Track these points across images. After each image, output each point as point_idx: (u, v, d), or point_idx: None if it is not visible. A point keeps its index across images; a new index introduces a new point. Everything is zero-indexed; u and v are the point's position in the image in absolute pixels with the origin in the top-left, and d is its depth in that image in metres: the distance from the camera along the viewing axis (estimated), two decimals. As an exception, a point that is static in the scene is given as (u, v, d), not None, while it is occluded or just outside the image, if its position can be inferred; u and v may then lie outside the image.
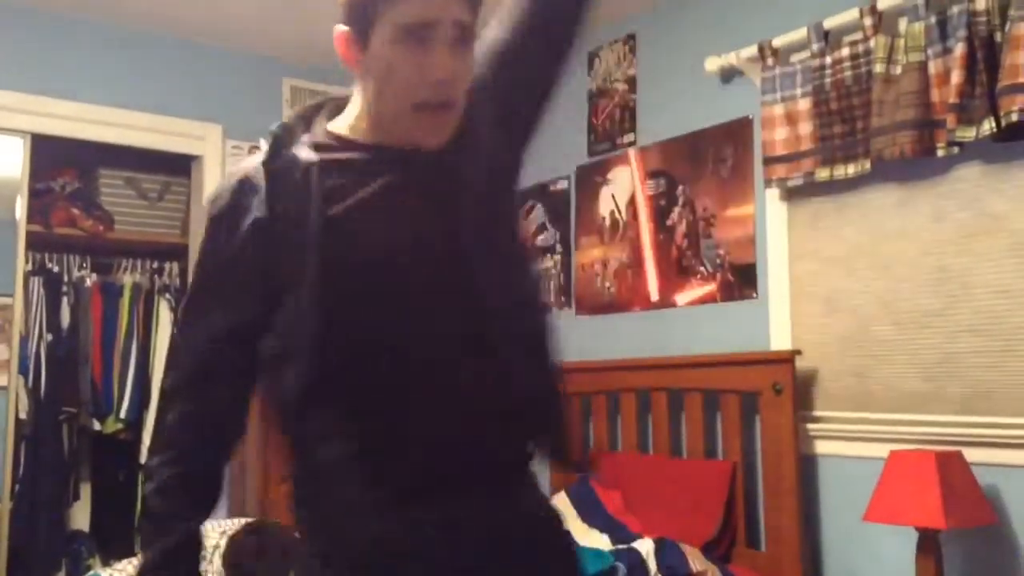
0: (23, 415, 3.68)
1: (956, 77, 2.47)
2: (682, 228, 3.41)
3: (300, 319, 1.13)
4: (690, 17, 3.46)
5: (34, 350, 3.78)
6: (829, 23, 2.86)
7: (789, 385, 2.85)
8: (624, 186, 3.67)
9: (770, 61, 3.04)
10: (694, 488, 3.02)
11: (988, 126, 2.42)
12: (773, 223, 3.10)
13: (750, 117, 3.18)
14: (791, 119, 2.95)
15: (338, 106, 1.27)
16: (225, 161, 3.98)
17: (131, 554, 3.04)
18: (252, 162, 1.23)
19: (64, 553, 3.85)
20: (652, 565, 2.65)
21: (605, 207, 3.75)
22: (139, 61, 3.83)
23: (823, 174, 2.85)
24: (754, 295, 3.14)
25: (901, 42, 2.64)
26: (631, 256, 3.61)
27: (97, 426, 3.92)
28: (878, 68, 2.67)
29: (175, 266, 4.23)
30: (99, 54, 3.75)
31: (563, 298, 3.91)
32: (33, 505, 3.69)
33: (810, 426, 2.92)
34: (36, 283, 3.88)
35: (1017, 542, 2.45)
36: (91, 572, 3.12)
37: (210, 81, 3.98)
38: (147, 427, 3.86)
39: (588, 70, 3.85)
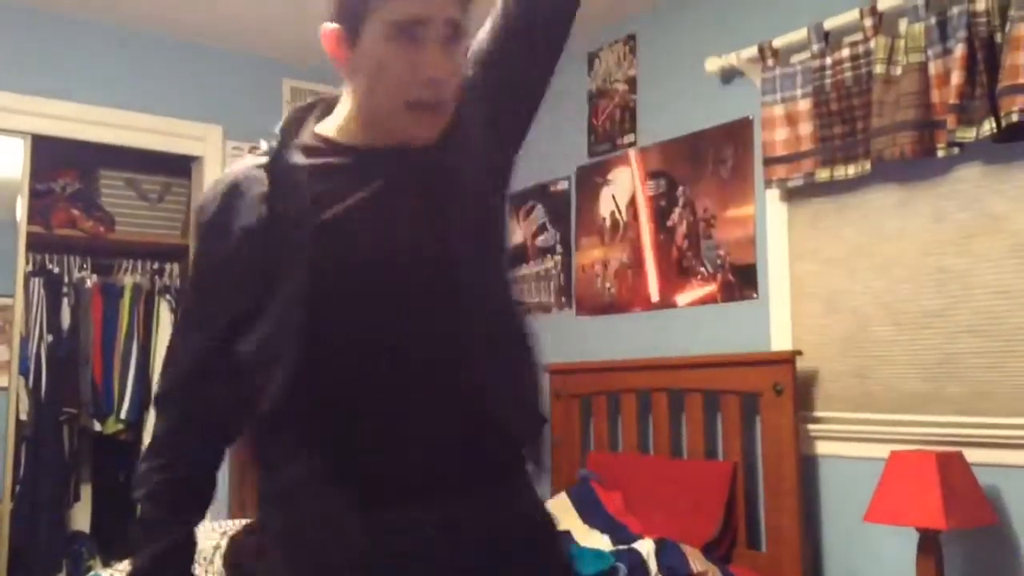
0: (24, 416, 3.68)
1: (956, 78, 2.47)
2: (682, 229, 3.41)
3: (286, 323, 1.13)
4: (690, 17, 3.46)
5: (34, 351, 3.78)
6: (829, 24, 2.86)
7: (789, 386, 2.85)
8: (624, 187, 3.67)
9: (770, 62, 3.04)
10: (695, 489, 3.02)
11: (988, 127, 2.42)
12: (773, 224, 3.10)
13: (750, 118, 3.18)
14: (791, 120, 2.95)
15: (328, 106, 1.27)
16: (225, 162, 3.98)
17: (131, 555, 3.04)
18: (241, 166, 1.23)
19: (65, 554, 3.86)
20: (652, 566, 2.65)
21: (605, 208, 3.75)
22: (139, 62, 3.83)
23: (823, 175, 2.85)
24: (754, 296, 3.14)
25: (901, 43, 2.64)
26: (631, 257, 3.61)
27: (98, 427, 3.93)
28: (878, 69, 2.67)
29: (175, 267, 4.23)
30: (99, 55, 3.75)
31: (563, 298, 3.91)
32: (34, 506, 3.69)
33: (811, 427, 2.92)
34: (36, 284, 3.88)
35: (1018, 542, 2.45)
36: (91, 573, 3.12)
37: (210, 82, 3.98)
38: (147, 428, 3.86)
39: (588, 71, 3.85)
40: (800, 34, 2.94)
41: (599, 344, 3.69)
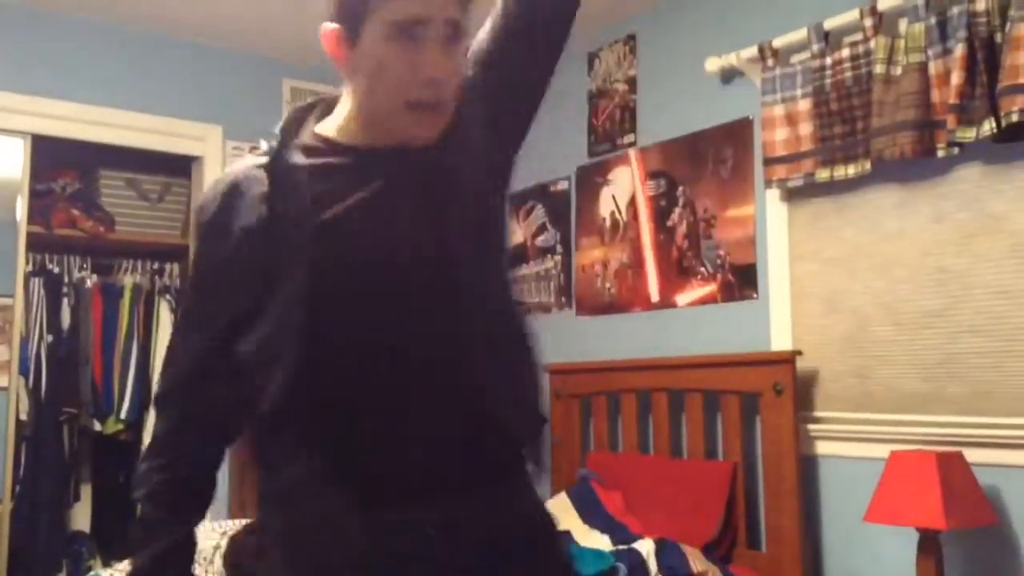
0: (24, 416, 3.68)
1: (956, 78, 2.47)
2: (682, 229, 3.41)
3: (286, 323, 1.13)
4: (690, 17, 3.46)
5: (34, 351, 3.78)
6: (829, 24, 2.86)
7: (789, 386, 2.85)
8: (624, 187, 3.67)
9: (770, 62, 3.04)
10: (695, 489, 3.02)
11: (988, 127, 2.42)
12: (773, 224, 3.10)
13: (750, 118, 3.18)
14: (791, 120, 2.95)
15: (329, 107, 1.27)
16: (225, 162, 3.98)
17: (131, 555, 3.04)
18: (241, 166, 1.23)
19: (65, 554, 3.86)
20: (653, 565, 2.65)
21: (605, 208, 3.75)
22: (139, 62, 3.83)
23: (823, 175, 2.85)
24: (754, 296, 3.14)
25: (901, 43, 2.64)
26: (631, 257, 3.61)
27: (98, 427, 3.93)
28: (878, 69, 2.67)
29: (176, 267, 4.23)
30: (99, 55, 3.75)
31: (564, 298, 3.92)
32: (34, 506, 3.69)
33: (811, 427, 2.92)
34: (36, 284, 3.88)
35: (1018, 542, 2.45)
36: (92, 573, 3.12)
37: (210, 82, 3.98)
38: (147, 428, 3.86)
39: (588, 71, 3.85)
40: (800, 34, 2.94)
41: (599, 344, 3.69)
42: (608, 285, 3.71)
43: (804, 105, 2.92)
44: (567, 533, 3.06)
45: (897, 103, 2.61)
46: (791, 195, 3.05)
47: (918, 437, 2.63)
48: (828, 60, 2.84)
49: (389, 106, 1.16)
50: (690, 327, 3.36)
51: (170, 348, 1.29)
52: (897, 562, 2.63)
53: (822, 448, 2.91)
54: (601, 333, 3.71)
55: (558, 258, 3.96)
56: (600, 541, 2.93)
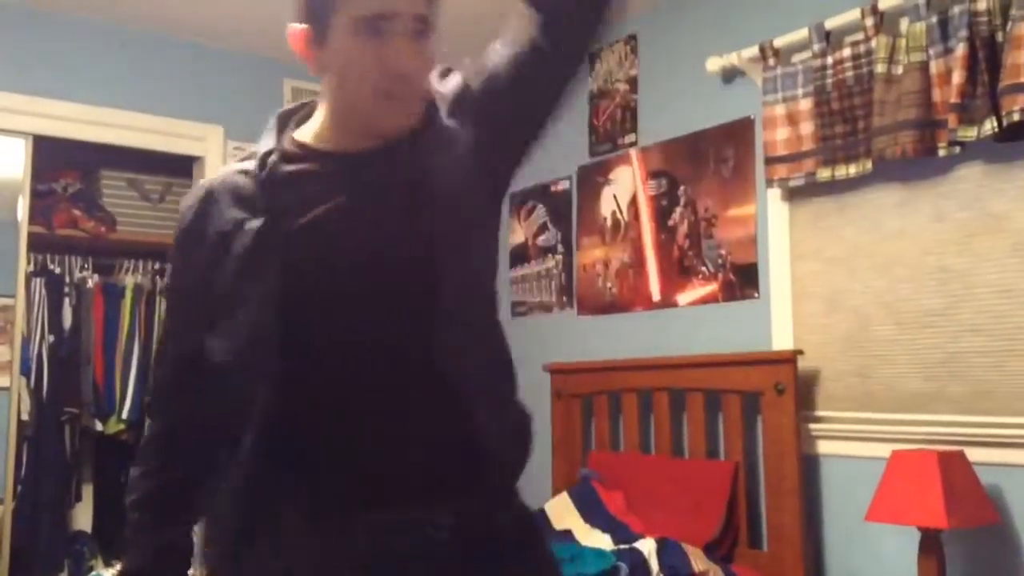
0: (25, 416, 3.68)
1: (957, 77, 2.47)
2: (683, 228, 3.41)
3: (260, 327, 1.13)
4: (691, 17, 3.46)
5: (36, 351, 3.79)
6: (830, 23, 2.86)
7: (791, 385, 2.85)
8: (625, 186, 3.67)
9: (771, 61, 3.04)
10: (696, 488, 3.02)
11: (990, 126, 2.42)
12: (774, 223, 3.10)
13: (751, 117, 3.18)
14: (792, 119, 2.95)
15: (310, 112, 1.27)
16: (226, 162, 3.98)
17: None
18: (221, 173, 1.25)
19: (66, 554, 3.86)
20: (654, 565, 2.66)
21: (607, 207, 3.75)
22: (140, 62, 3.83)
23: (824, 174, 2.85)
24: (756, 295, 3.14)
25: (902, 42, 2.64)
26: (633, 256, 3.61)
27: (99, 427, 3.93)
28: (879, 68, 2.67)
29: (177, 267, 4.23)
30: (100, 55, 3.75)
31: (565, 298, 3.92)
32: (35, 506, 3.69)
33: (812, 426, 2.92)
34: (38, 284, 3.89)
35: (1019, 541, 2.45)
36: (93, 573, 3.13)
37: (211, 82, 3.99)
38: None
39: (589, 71, 3.85)
40: (801, 34, 2.94)
41: (600, 344, 3.69)
42: (609, 285, 3.71)
43: (805, 104, 2.92)
44: (568, 532, 3.07)
45: (898, 102, 2.61)
46: (792, 194, 3.05)
47: (919, 436, 2.63)
48: (829, 59, 2.84)
49: (359, 99, 1.16)
50: (691, 326, 3.36)
51: (156, 353, 1.30)
52: (899, 561, 2.63)
53: (823, 447, 2.91)
54: (602, 333, 3.71)
55: (559, 258, 3.96)
56: (601, 540, 2.93)
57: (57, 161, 3.91)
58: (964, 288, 2.62)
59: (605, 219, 3.75)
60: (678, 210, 3.44)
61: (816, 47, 2.88)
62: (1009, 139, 2.45)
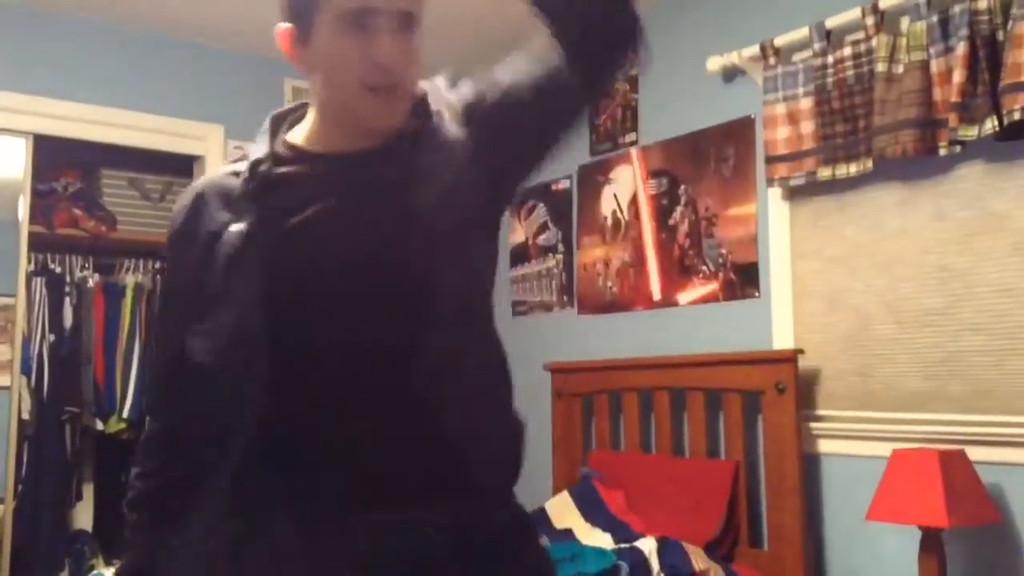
0: (26, 415, 3.68)
1: (958, 76, 2.47)
2: (684, 227, 3.41)
3: (247, 326, 1.13)
4: (691, 16, 3.46)
5: (37, 350, 3.79)
6: (831, 22, 2.86)
7: (791, 384, 2.85)
8: (626, 185, 3.67)
9: (772, 60, 3.04)
10: (696, 487, 3.02)
11: (990, 125, 2.42)
12: (775, 222, 3.10)
13: (752, 116, 3.18)
14: (793, 118, 2.95)
15: (303, 114, 1.27)
16: (227, 161, 3.98)
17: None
18: (213, 174, 1.26)
19: (67, 553, 3.86)
20: (655, 564, 2.66)
21: (607, 206, 3.75)
22: (141, 62, 3.83)
23: (825, 173, 2.85)
24: (756, 294, 3.14)
25: (903, 41, 2.64)
26: (633, 255, 3.61)
27: (100, 426, 3.93)
28: (880, 67, 2.67)
29: (177, 266, 4.23)
30: (101, 55, 3.75)
31: (565, 297, 3.92)
32: (36, 505, 3.69)
33: (812, 425, 2.92)
34: (39, 283, 3.88)
35: (1020, 540, 2.45)
36: (94, 572, 3.13)
37: (212, 82, 3.99)
38: (149, 427, 3.86)
39: (590, 70, 3.84)
40: (802, 33, 2.94)
41: (601, 343, 3.69)
42: (610, 284, 3.71)
43: (806, 103, 2.91)
44: (569, 531, 3.07)
45: (899, 101, 2.61)
46: (793, 193, 3.05)
47: (920, 435, 2.63)
48: (830, 58, 2.84)
49: (345, 95, 1.16)
50: (692, 326, 3.36)
51: (152, 353, 1.31)
52: (899, 560, 2.63)
53: (824, 446, 2.91)
54: (603, 332, 3.71)
55: (560, 257, 3.96)
56: (602, 539, 2.93)
57: (58, 160, 3.91)
58: (965, 287, 2.62)
59: (605, 218, 3.75)
60: (679, 209, 3.44)
61: (817, 46, 2.88)
62: (1010, 138, 2.45)
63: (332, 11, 1.12)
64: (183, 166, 4.11)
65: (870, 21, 2.74)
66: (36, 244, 3.80)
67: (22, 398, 3.64)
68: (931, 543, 2.41)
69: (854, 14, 2.79)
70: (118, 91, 3.76)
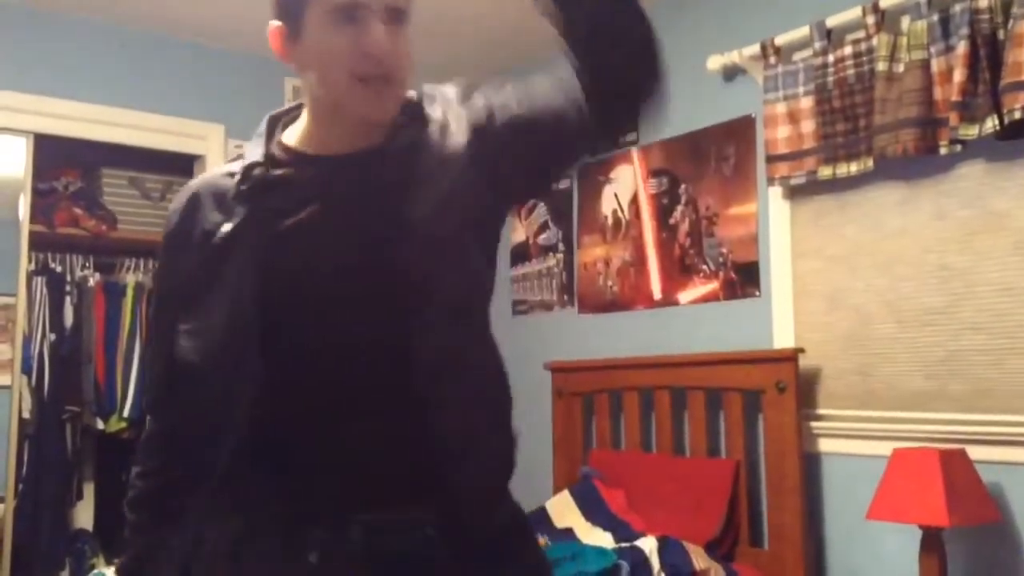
0: (26, 414, 3.68)
1: (959, 75, 2.46)
2: (685, 226, 3.41)
3: (229, 333, 1.13)
4: (692, 16, 3.46)
5: (37, 349, 3.78)
6: (832, 21, 2.86)
7: (792, 383, 2.85)
8: (627, 185, 3.67)
9: (772, 59, 3.03)
10: (697, 487, 3.02)
11: (991, 124, 2.42)
12: (776, 221, 3.10)
13: (752, 115, 3.18)
14: (793, 117, 2.95)
15: (299, 114, 1.27)
16: (226, 160, 3.98)
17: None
18: (207, 175, 1.26)
19: (67, 552, 3.86)
20: (655, 563, 2.66)
21: (607, 206, 3.75)
22: (141, 61, 3.83)
23: (826, 172, 2.85)
24: (757, 293, 3.14)
25: (904, 40, 2.63)
26: (634, 255, 3.61)
27: (100, 425, 3.93)
28: (881, 66, 2.67)
29: (178, 265, 4.23)
30: (101, 54, 3.75)
31: (566, 296, 3.92)
32: (36, 504, 3.69)
33: (813, 424, 2.92)
34: (39, 283, 3.88)
35: (1020, 540, 2.45)
36: (95, 571, 3.13)
37: (212, 81, 3.98)
38: (150, 426, 3.86)
39: (590, 69, 3.84)
40: (802, 32, 2.93)
41: (601, 342, 3.69)
42: (610, 283, 3.71)
43: (806, 103, 2.91)
44: (569, 530, 3.07)
45: (899, 100, 2.61)
46: (793, 193, 3.05)
47: (921, 434, 2.63)
48: (830, 58, 2.84)
49: (336, 88, 1.15)
50: (692, 325, 3.36)
51: (149, 353, 1.31)
52: (900, 560, 2.63)
53: (824, 446, 2.90)
54: (603, 331, 3.71)
55: (560, 256, 3.96)
56: (603, 539, 2.93)
57: (58, 160, 3.91)
58: (965, 286, 2.61)
59: (606, 217, 3.75)
60: (679, 208, 3.44)
61: (817, 45, 2.88)
62: (1010, 137, 2.44)
63: (322, 6, 1.13)
64: (183, 165, 4.11)
65: (871, 20, 2.74)
66: (37, 243, 3.80)
67: (23, 397, 3.64)
68: (931, 542, 2.41)
69: (855, 13, 2.79)
70: (118, 91, 3.76)
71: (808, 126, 2.91)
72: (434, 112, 1.23)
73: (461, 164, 1.19)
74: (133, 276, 4.12)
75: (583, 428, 3.63)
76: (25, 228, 3.63)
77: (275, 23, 1.18)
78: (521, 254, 4.16)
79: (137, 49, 3.82)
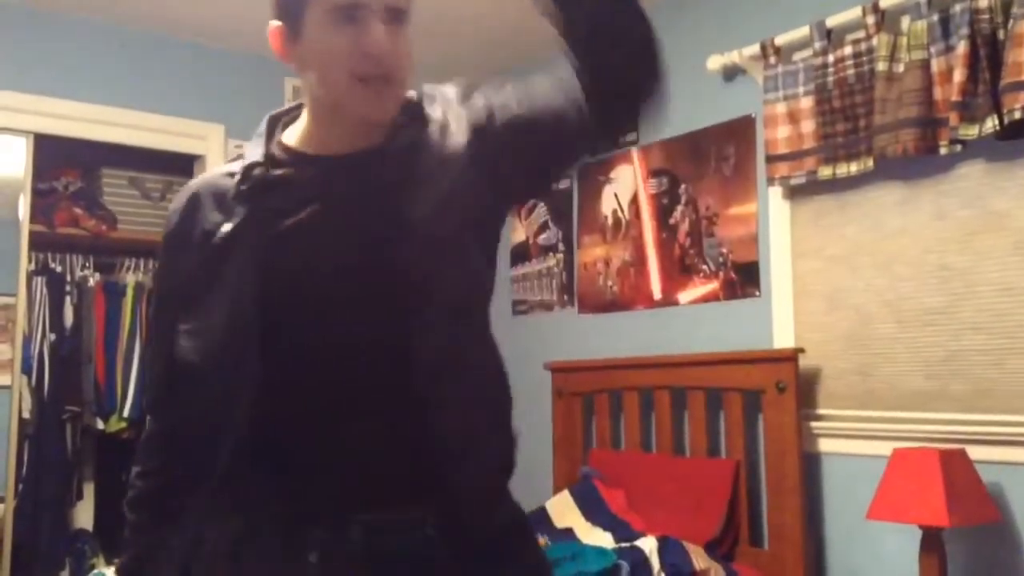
0: (26, 414, 3.68)
1: (959, 75, 2.46)
2: (685, 226, 3.41)
3: (228, 333, 1.13)
4: (692, 16, 3.46)
5: (37, 349, 3.79)
6: (832, 21, 2.86)
7: (792, 383, 2.85)
8: (627, 185, 3.67)
9: (772, 59, 3.03)
10: (697, 487, 3.02)
11: (991, 124, 2.42)
12: (776, 221, 3.10)
13: (752, 115, 3.18)
14: (793, 117, 2.95)
15: (299, 114, 1.27)
16: (226, 160, 3.98)
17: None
18: (207, 175, 1.26)
19: (67, 552, 3.86)
20: (655, 563, 2.66)
21: (608, 206, 3.75)
22: (141, 61, 3.83)
23: (826, 172, 2.85)
24: (757, 293, 3.14)
25: (903, 40, 2.63)
26: (634, 255, 3.61)
27: (100, 425, 3.93)
28: (880, 66, 2.67)
29: (178, 265, 4.23)
30: (101, 54, 3.75)
31: (566, 296, 3.92)
32: (36, 504, 3.69)
33: (813, 424, 2.92)
34: (39, 283, 3.88)
35: (1021, 540, 2.45)
36: (95, 571, 3.13)
37: (212, 81, 3.99)
38: (150, 426, 3.86)
39: (590, 69, 3.84)
40: (802, 32, 2.93)
41: (601, 342, 3.69)
42: (610, 283, 3.71)
43: (806, 103, 2.91)
44: (569, 530, 3.07)
45: (899, 100, 2.61)
46: (793, 193, 3.05)
47: (921, 434, 2.63)
48: (830, 57, 2.84)
49: (336, 88, 1.15)
50: (692, 325, 3.36)
51: (149, 353, 1.31)
52: (900, 560, 2.63)
53: (824, 446, 2.90)
54: (603, 331, 3.71)
55: (560, 256, 3.96)
56: (603, 539, 2.93)
57: (58, 160, 3.91)
58: (965, 286, 2.61)
59: (606, 217, 3.75)
60: (679, 208, 3.44)
61: (817, 45, 2.88)
62: (1010, 137, 2.45)
63: (322, 6, 1.13)
64: (183, 165, 4.11)
65: (871, 20, 2.74)
66: (37, 243, 3.80)
67: (23, 397, 3.64)
68: (932, 542, 2.41)
69: (855, 13, 2.79)
70: (118, 91, 3.76)
71: (808, 126, 2.91)
72: (434, 112, 1.23)
73: (461, 164, 1.19)
74: (133, 276, 4.12)
75: (583, 428, 3.63)
76: (25, 228, 3.63)
77: (275, 23, 1.18)
78: (521, 254, 4.16)
79: (137, 49, 3.82)
